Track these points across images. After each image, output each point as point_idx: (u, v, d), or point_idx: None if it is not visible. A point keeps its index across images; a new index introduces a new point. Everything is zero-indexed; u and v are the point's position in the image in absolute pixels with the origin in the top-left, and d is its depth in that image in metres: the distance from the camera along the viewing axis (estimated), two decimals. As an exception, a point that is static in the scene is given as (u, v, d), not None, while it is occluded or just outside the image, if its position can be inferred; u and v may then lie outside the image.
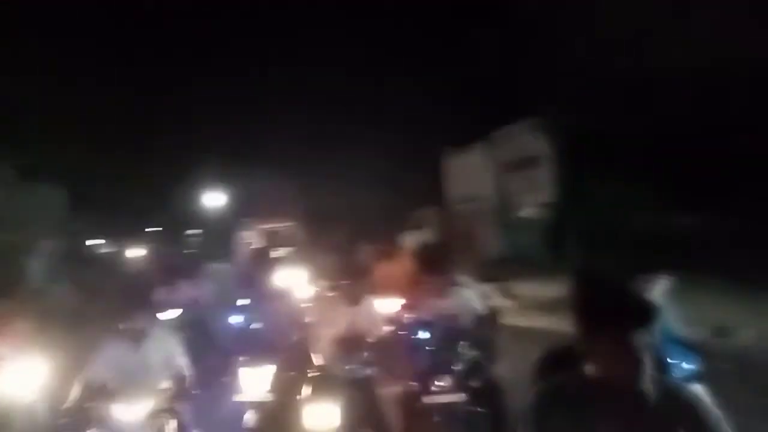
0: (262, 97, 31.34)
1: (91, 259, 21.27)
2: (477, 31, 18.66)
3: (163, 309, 6.36)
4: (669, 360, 3.15)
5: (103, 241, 25.18)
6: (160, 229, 35.29)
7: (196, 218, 38.53)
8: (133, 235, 28.16)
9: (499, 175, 18.29)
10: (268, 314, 5.42)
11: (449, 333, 4.34)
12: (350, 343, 4.27)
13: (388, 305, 6.01)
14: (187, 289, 7.23)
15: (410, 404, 4.23)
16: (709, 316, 7.26)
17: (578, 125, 15.56)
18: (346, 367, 4.15)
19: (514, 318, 9.79)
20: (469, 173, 19.23)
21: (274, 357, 4.66)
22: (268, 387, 4.46)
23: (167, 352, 3.93)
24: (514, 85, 17.19)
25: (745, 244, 11.43)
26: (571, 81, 15.74)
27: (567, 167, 16.15)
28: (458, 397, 4.07)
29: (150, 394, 3.75)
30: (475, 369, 4.18)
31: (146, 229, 33.59)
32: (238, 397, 4.48)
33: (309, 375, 4.20)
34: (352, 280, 4.63)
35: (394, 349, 4.47)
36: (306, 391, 4.03)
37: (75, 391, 3.63)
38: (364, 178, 25.14)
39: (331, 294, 4.98)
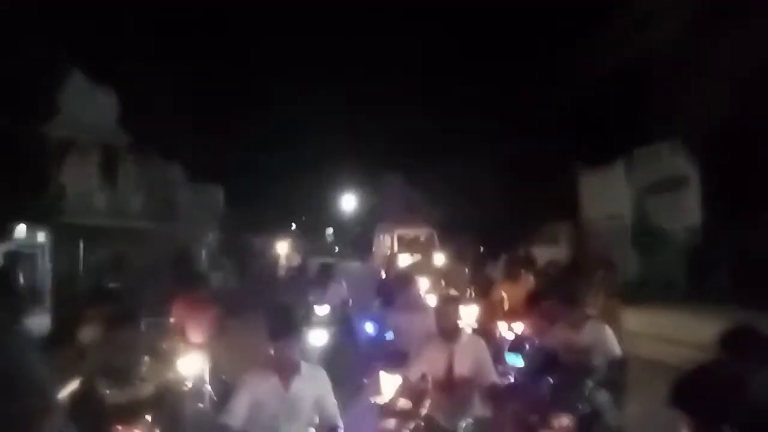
0: (397, 105, 32.46)
1: (247, 251, 23.53)
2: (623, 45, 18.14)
3: (316, 304, 7.16)
4: None
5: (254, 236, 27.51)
6: (301, 227, 38.17)
7: (334, 219, 41.16)
8: (279, 231, 30.75)
9: (640, 196, 17.59)
10: (403, 327, 5.33)
11: (577, 369, 4.07)
12: (453, 391, 3.90)
13: (509, 330, 6.02)
14: (336, 289, 7.69)
15: None
16: None
17: (731, 145, 14.60)
18: (460, 418, 3.78)
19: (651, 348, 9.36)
20: (606, 191, 18.67)
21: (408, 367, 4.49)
22: (405, 395, 4.22)
23: (318, 394, 3.34)
24: (660, 102, 16.54)
25: None
26: (722, 98, 14.83)
27: (716, 190, 15.21)
28: None
29: None
30: (597, 416, 3.90)
31: (291, 227, 36.53)
32: (377, 400, 4.38)
33: (420, 419, 3.83)
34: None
35: (510, 398, 4.06)
36: None
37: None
38: (498, 189, 25.26)
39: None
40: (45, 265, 12.13)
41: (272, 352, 3.30)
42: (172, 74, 17.26)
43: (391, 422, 4.10)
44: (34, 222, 11.76)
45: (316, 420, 3.37)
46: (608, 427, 3.90)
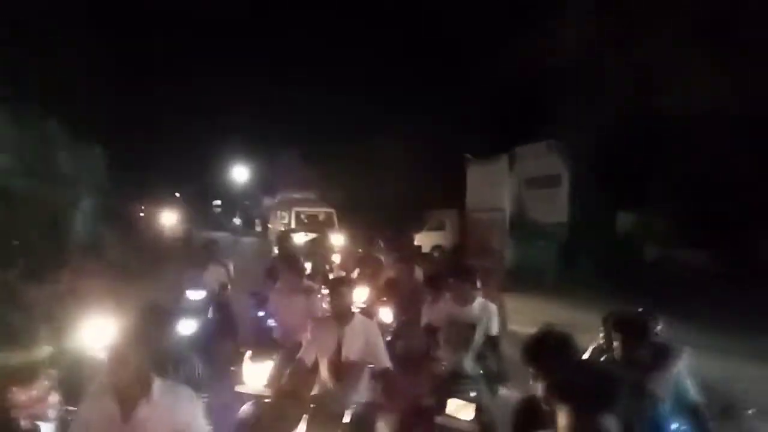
0: (294, 84, 32.13)
1: (129, 219, 22.30)
2: (509, 50, 19.49)
3: (190, 288, 6.44)
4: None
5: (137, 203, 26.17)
6: (187, 196, 36.53)
7: (223, 190, 39.86)
8: (164, 199, 29.37)
9: (518, 190, 19.01)
10: (282, 309, 5.10)
11: (462, 343, 4.30)
12: (342, 374, 3.81)
13: (387, 313, 6.03)
14: (215, 271, 6.89)
15: (416, 422, 3.97)
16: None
17: (600, 150, 16.28)
18: (348, 403, 3.67)
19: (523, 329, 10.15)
20: (489, 183, 19.95)
21: (279, 352, 4.45)
22: (266, 382, 4.20)
23: (176, 426, 2.51)
24: (541, 104, 18.03)
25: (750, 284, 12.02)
26: (597, 107, 16.50)
27: (585, 190, 16.87)
28: (470, 426, 3.85)
29: None
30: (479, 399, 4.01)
31: (176, 194, 34.81)
32: (239, 388, 4.24)
33: (309, 402, 3.70)
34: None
35: (400, 380, 4.02)
36: (303, 424, 3.50)
37: None
38: (387, 174, 26.02)
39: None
40: None
41: (107, 367, 2.49)
42: (56, 24, 15.95)
43: (249, 409, 3.95)
44: None
45: None
46: (486, 410, 3.99)
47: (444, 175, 21.72)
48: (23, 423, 3.36)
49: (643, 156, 15.37)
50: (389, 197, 25.28)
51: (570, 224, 17.23)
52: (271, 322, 5.43)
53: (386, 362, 3.90)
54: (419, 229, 21.33)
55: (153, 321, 3.43)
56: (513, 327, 7.59)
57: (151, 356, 2.59)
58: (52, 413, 3.56)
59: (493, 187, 19.52)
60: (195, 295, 6.39)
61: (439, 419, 3.89)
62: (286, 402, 3.80)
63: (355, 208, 23.81)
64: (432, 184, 22.12)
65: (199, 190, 40.37)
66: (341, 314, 3.90)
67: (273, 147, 34.83)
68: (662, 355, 3.19)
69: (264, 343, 4.72)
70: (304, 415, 3.53)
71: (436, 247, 18.93)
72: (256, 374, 4.27)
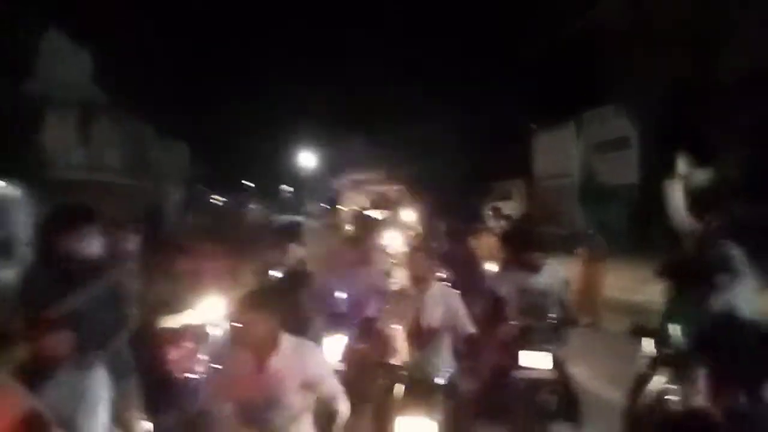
0: (356, 66, 32.76)
1: (214, 209, 23.84)
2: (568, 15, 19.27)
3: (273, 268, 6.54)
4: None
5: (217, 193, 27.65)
6: (263, 184, 38.10)
7: (295, 175, 41.13)
8: (239, 188, 30.97)
9: (587, 155, 18.97)
10: (351, 282, 5.03)
11: (536, 312, 4.26)
12: (423, 341, 3.77)
13: None
14: (294, 251, 7.04)
15: (499, 381, 4.02)
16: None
17: (669, 109, 16.01)
18: (437, 373, 3.68)
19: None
20: (557, 151, 19.99)
21: (350, 327, 4.44)
22: (340, 357, 4.18)
23: (306, 375, 2.73)
24: (606, 68, 17.82)
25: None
26: (662, 66, 16.20)
27: (655, 151, 16.66)
28: (550, 374, 3.90)
29: None
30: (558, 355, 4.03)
31: (249, 183, 36.37)
32: None
33: (397, 373, 3.68)
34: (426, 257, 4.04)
35: (483, 346, 3.98)
36: (398, 396, 3.48)
37: None
38: (452, 148, 26.28)
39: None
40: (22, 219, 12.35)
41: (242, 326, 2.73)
42: (140, 37, 17.40)
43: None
44: (14, 177, 11.98)
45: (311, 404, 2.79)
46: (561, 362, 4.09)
47: (510, 146, 21.87)
48: (176, 376, 4.03)
49: (712, 113, 15.05)
50: (456, 171, 25.60)
51: (642, 186, 17.11)
52: (341, 298, 5.30)
53: (470, 328, 3.87)
54: (486, 200, 21.69)
55: (292, 283, 3.73)
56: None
57: (285, 315, 2.78)
58: (199, 368, 4.20)
59: (560, 154, 19.57)
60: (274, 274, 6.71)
61: (515, 374, 3.95)
62: (369, 372, 3.88)
63: (423, 184, 24.28)
64: (498, 155, 22.31)
65: (270, 178, 41.95)
66: (420, 281, 3.90)
67: (337, 131, 35.73)
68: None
69: (335, 318, 4.71)
70: (396, 385, 3.54)
71: (504, 217, 19.22)
72: (327, 349, 4.23)
